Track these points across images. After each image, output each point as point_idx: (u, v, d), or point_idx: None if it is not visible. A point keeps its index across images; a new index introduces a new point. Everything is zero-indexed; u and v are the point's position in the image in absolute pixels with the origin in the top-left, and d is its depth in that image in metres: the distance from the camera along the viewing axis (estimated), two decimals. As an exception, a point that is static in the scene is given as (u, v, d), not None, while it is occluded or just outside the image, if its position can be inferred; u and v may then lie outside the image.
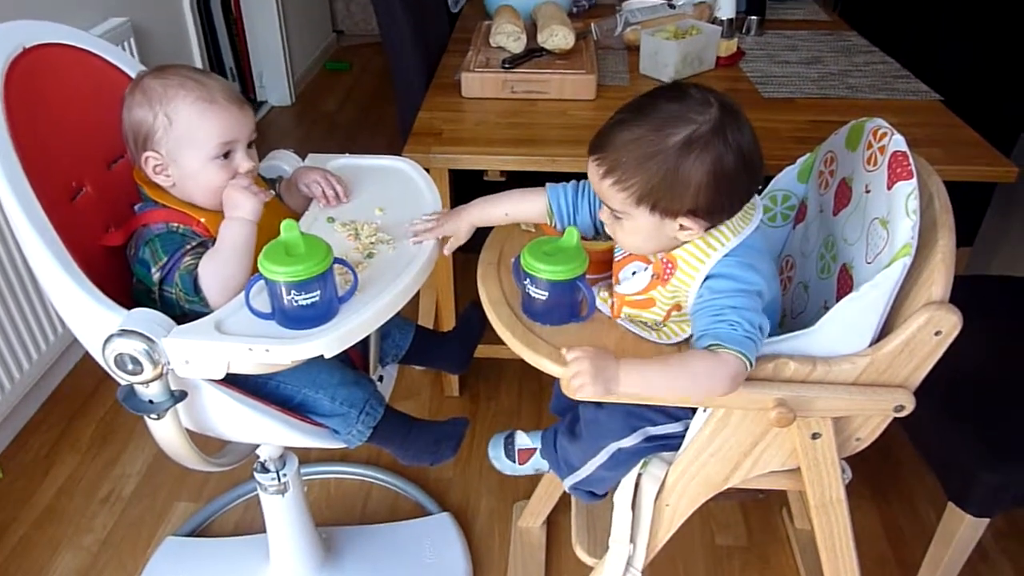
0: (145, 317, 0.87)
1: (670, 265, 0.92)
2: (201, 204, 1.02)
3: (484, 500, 1.67)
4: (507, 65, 1.72)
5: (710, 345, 0.85)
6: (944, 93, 1.74)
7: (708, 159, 0.84)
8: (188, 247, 0.98)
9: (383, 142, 3.30)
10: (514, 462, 1.31)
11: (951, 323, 0.87)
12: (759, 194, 1.03)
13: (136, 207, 1.04)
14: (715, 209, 0.88)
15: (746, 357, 0.85)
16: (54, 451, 1.79)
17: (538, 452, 1.27)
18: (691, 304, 0.91)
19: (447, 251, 1.07)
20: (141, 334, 0.85)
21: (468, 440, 1.79)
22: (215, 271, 0.94)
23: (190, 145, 0.98)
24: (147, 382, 0.88)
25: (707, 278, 0.89)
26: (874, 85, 1.80)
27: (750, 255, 0.91)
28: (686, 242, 0.91)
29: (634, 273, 0.97)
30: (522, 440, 1.31)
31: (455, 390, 1.95)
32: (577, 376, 0.86)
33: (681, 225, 0.88)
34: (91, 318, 0.90)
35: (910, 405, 0.92)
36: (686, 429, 1.05)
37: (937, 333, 0.87)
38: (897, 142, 0.94)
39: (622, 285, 0.97)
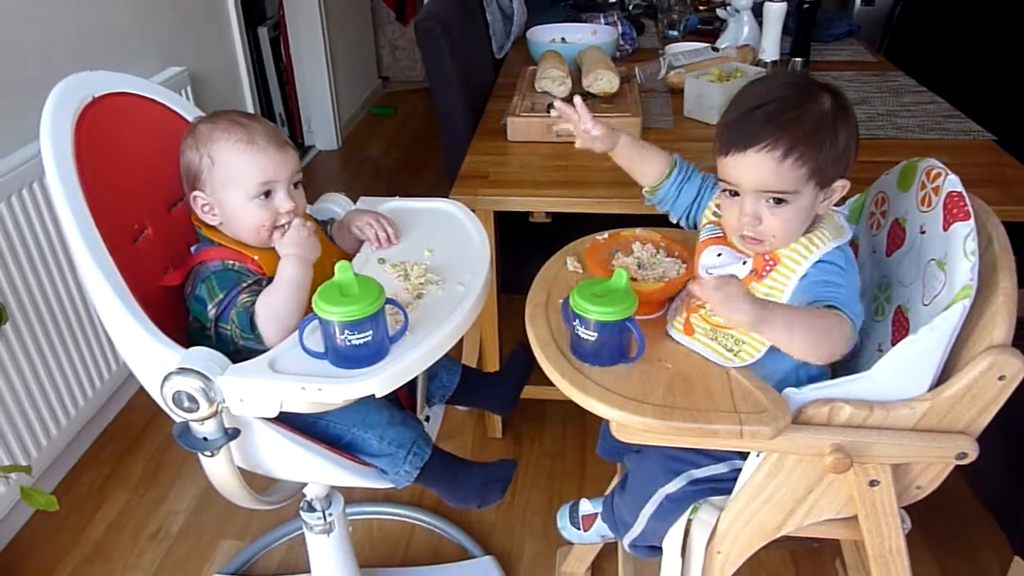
0: (202, 356, 0.88)
1: (772, 261, 0.94)
2: (247, 242, 1.05)
3: (528, 544, 1.65)
4: (552, 109, 1.74)
5: (827, 307, 0.88)
6: (996, 132, 1.71)
7: (852, 120, 0.92)
8: (244, 285, 1.00)
9: (426, 185, 3.36)
10: (579, 529, 1.32)
11: (1015, 367, 0.84)
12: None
13: (192, 248, 1.07)
14: (848, 169, 0.93)
15: (854, 326, 0.88)
16: (106, 486, 1.82)
17: (600, 517, 1.26)
18: (794, 288, 0.93)
19: (579, 144, 1.17)
20: (198, 372, 0.86)
21: (512, 483, 1.77)
22: (272, 309, 0.96)
23: (231, 185, 1.02)
24: (202, 419, 0.89)
25: (815, 264, 0.92)
26: (924, 125, 1.78)
27: (849, 257, 0.94)
28: (818, 218, 0.95)
29: (719, 255, 0.99)
30: (585, 507, 1.32)
31: (498, 431, 1.94)
32: (730, 300, 0.84)
33: (826, 193, 0.93)
34: (150, 356, 0.92)
35: (973, 452, 0.89)
36: (732, 471, 1.03)
37: (1001, 378, 0.85)
38: (952, 182, 0.93)
39: (715, 275, 0.97)
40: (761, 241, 0.94)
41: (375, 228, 1.11)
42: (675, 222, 1.14)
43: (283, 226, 1.02)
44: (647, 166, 1.13)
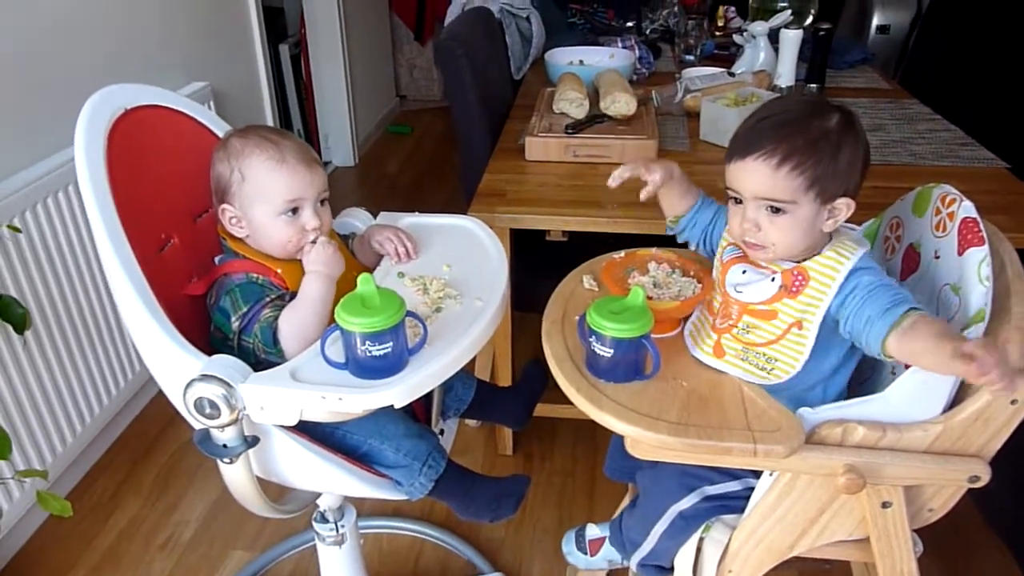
0: (225, 363, 0.90)
1: (801, 277, 0.95)
2: (273, 255, 1.07)
3: (537, 562, 1.65)
4: (570, 130, 1.76)
5: (909, 310, 0.87)
6: (1010, 160, 1.72)
7: (860, 141, 0.94)
8: (268, 299, 1.02)
9: (441, 203, 3.38)
10: (586, 554, 1.32)
11: (1028, 392, 0.85)
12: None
13: (217, 259, 1.09)
14: (857, 191, 0.95)
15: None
16: (118, 494, 1.83)
17: (608, 540, 1.26)
18: (836, 303, 0.93)
19: (645, 195, 1.14)
20: (221, 379, 0.88)
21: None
22: (295, 324, 0.98)
23: (260, 200, 1.04)
24: (223, 426, 0.90)
25: (851, 273, 0.92)
26: (938, 152, 1.79)
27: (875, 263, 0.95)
28: (824, 237, 0.96)
29: (744, 272, 1.00)
30: (592, 531, 1.32)
31: (509, 448, 1.95)
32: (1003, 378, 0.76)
33: (830, 211, 0.94)
34: (174, 363, 0.93)
35: (985, 476, 0.90)
36: (745, 488, 1.04)
37: (1013, 402, 0.85)
38: (967, 208, 0.94)
39: (744, 292, 0.99)
40: (763, 247, 0.97)
41: (395, 243, 1.13)
42: (694, 248, 1.17)
43: (311, 242, 1.04)
44: (683, 201, 1.16)
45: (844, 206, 0.94)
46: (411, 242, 1.14)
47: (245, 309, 1.01)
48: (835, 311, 0.93)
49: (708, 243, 1.15)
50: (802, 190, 0.92)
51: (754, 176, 0.94)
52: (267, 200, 1.03)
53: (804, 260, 0.96)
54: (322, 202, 1.08)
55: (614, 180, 1.15)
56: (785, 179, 0.92)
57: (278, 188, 1.03)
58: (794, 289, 0.95)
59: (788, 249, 0.96)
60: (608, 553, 1.31)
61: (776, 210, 0.94)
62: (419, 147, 4.11)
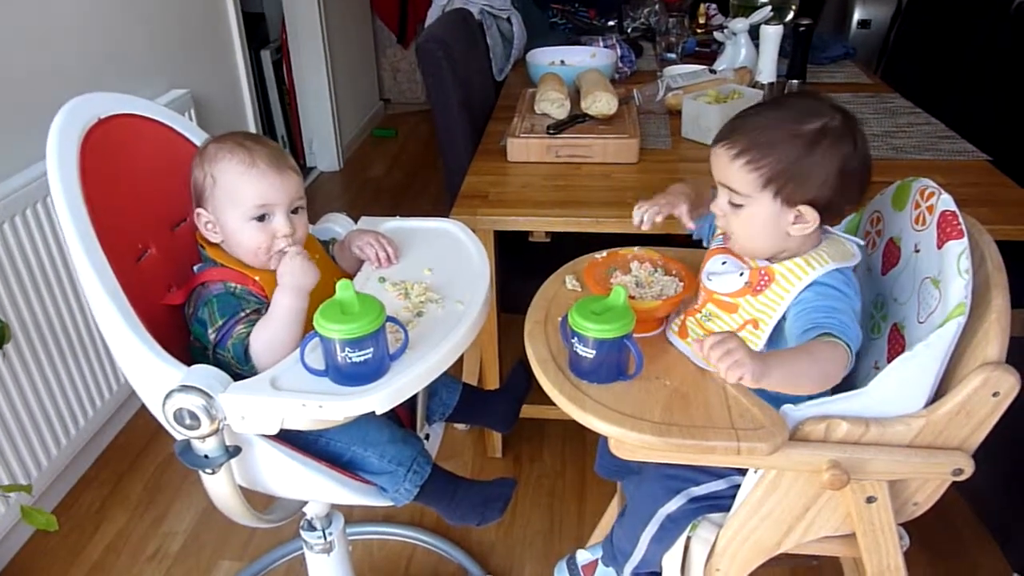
0: (204, 373, 0.89)
1: (767, 277, 0.96)
2: (247, 262, 1.05)
3: (528, 565, 1.65)
4: (552, 131, 1.76)
5: (822, 335, 0.88)
6: (991, 152, 1.73)
7: (839, 154, 0.92)
8: (243, 314, 1.01)
9: (427, 205, 3.38)
10: None
11: (1009, 384, 0.85)
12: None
13: (195, 268, 1.08)
14: (831, 206, 0.94)
15: (851, 351, 0.88)
16: (105, 507, 1.82)
17: (600, 561, 1.26)
18: (787, 310, 0.94)
19: (686, 222, 1.14)
20: (200, 390, 0.87)
21: (512, 503, 1.77)
22: (266, 340, 0.97)
23: (230, 205, 1.03)
24: (204, 437, 0.89)
25: (810, 285, 0.93)
26: (919, 145, 1.80)
27: (850, 281, 0.95)
28: (794, 241, 0.96)
29: (724, 263, 1.01)
30: (583, 556, 1.32)
31: (498, 451, 1.94)
32: (730, 356, 0.83)
33: (796, 216, 0.93)
34: (153, 374, 0.93)
35: (969, 468, 0.90)
36: (731, 487, 1.03)
37: (995, 394, 0.86)
38: (945, 201, 0.95)
39: (713, 281, 1.01)
40: (728, 236, 1.00)
41: (375, 248, 1.13)
42: (705, 244, 1.16)
43: (280, 251, 1.03)
44: (703, 208, 1.14)
45: (810, 216, 0.93)
46: (392, 247, 1.14)
47: (221, 323, 1.00)
48: (790, 318, 0.94)
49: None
50: (757, 186, 0.93)
51: (717, 164, 0.97)
52: (237, 204, 1.03)
53: (778, 262, 0.96)
54: (296, 210, 1.06)
55: (646, 224, 1.15)
56: (740, 171, 0.94)
57: (247, 191, 1.02)
58: (758, 288, 0.96)
59: (748, 243, 0.98)
60: (603, 573, 1.31)
61: (735, 205, 0.96)
62: (404, 150, 4.10)
